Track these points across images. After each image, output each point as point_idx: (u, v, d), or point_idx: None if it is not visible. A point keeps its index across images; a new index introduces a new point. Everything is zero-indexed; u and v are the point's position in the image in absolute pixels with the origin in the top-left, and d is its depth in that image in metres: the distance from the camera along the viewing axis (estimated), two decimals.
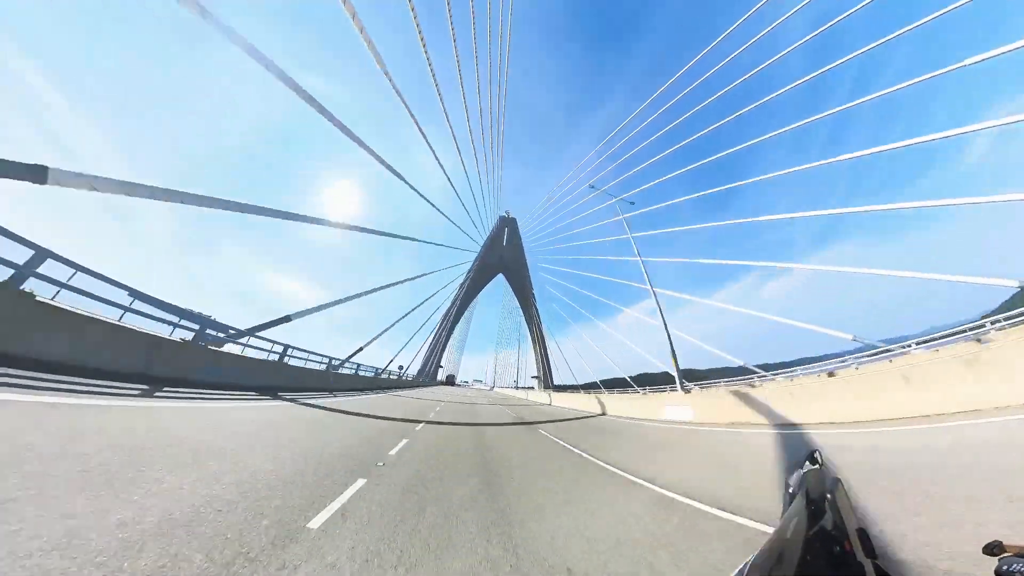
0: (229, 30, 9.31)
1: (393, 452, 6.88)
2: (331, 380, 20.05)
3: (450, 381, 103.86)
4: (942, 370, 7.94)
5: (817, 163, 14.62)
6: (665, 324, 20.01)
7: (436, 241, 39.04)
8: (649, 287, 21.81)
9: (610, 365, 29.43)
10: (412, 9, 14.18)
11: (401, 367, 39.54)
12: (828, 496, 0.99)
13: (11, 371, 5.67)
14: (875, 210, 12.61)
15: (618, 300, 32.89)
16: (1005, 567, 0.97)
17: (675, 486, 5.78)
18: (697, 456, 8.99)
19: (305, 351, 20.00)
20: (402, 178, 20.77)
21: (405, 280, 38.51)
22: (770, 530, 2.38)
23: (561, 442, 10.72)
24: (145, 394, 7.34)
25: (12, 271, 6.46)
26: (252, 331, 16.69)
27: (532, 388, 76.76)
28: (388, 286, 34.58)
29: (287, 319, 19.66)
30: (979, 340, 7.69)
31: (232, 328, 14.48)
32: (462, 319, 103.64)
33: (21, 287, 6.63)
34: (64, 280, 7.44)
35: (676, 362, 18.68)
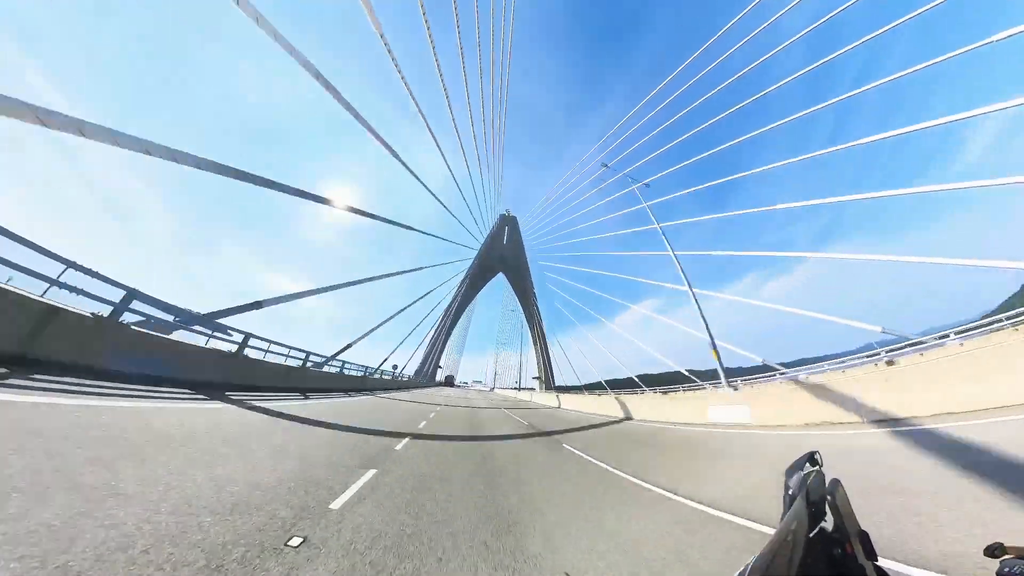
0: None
1: (336, 504, 3.87)
2: (307, 378, 16.95)
3: (449, 382, 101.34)
4: None
5: (819, 152, 14.51)
6: (703, 315, 17.09)
7: (437, 235, 36.78)
8: (680, 271, 18.87)
9: (615, 364, 28.05)
10: (423, 9, 14.44)
11: (395, 367, 36.47)
12: (828, 498, 0.92)
13: None
14: (879, 196, 12.34)
15: (623, 297, 30.73)
16: (1006, 569, 0.97)
17: None
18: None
19: (276, 344, 16.93)
20: (404, 163, 20.44)
21: (401, 272, 35.57)
22: None
23: (614, 470, 7.59)
24: None
25: None
26: (210, 317, 13.62)
27: (534, 389, 74.58)
28: (381, 277, 31.58)
29: (257, 305, 16.57)
30: None
31: (183, 310, 11.45)
32: (461, 319, 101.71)
33: None
34: None
35: (718, 356, 15.67)
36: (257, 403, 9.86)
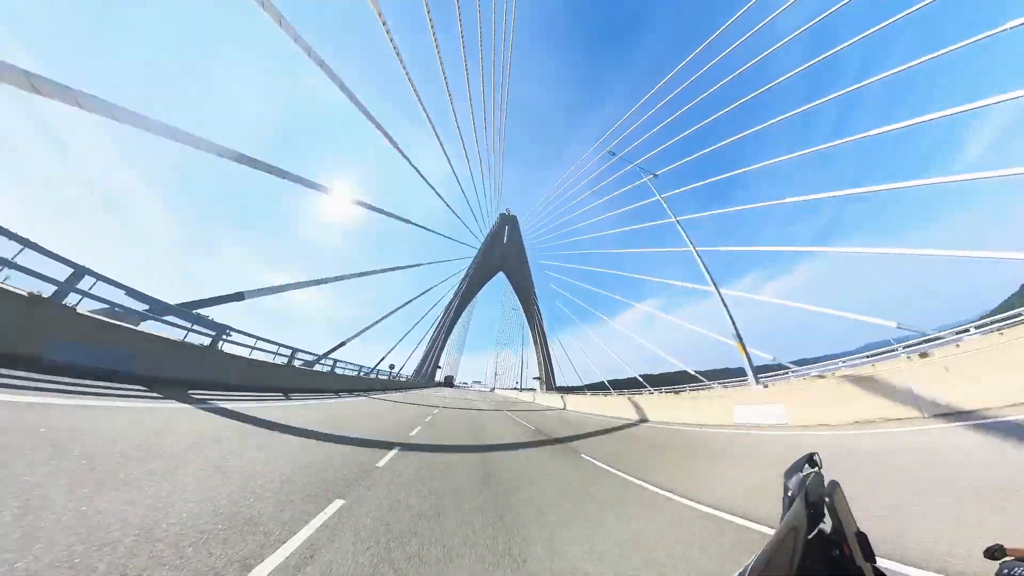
0: None
1: (279, 556, 2.39)
2: (292, 378, 15.50)
3: (448, 382, 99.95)
4: None
5: (821, 147, 14.66)
6: (727, 308, 15.73)
7: (436, 231, 35.98)
8: (701, 264, 17.50)
9: (615, 364, 28.74)
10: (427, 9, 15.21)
11: (392, 366, 34.95)
12: (827, 499, 0.93)
13: None
14: (881, 190, 12.57)
15: (626, 295, 29.98)
16: (1006, 571, 0.97)
17: None
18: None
19: (262, 340, 15.51)
20: (406, 157, 20.41)
21: (398, 268, 34.22)
22: None
23: (647, 485, 6.09)
24: None
25: None
26: (188, 308, 12.20)
27: (535, 390, 73.22)
28: (375, 272, 30.17)
29: (239, 296, 15.18)
30: None
31: (154, 299, 10.08)
32: (461, 319, 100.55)
33: None
34: None
35: (745, 350, 14.27)
36: (224, 404, 8.41)
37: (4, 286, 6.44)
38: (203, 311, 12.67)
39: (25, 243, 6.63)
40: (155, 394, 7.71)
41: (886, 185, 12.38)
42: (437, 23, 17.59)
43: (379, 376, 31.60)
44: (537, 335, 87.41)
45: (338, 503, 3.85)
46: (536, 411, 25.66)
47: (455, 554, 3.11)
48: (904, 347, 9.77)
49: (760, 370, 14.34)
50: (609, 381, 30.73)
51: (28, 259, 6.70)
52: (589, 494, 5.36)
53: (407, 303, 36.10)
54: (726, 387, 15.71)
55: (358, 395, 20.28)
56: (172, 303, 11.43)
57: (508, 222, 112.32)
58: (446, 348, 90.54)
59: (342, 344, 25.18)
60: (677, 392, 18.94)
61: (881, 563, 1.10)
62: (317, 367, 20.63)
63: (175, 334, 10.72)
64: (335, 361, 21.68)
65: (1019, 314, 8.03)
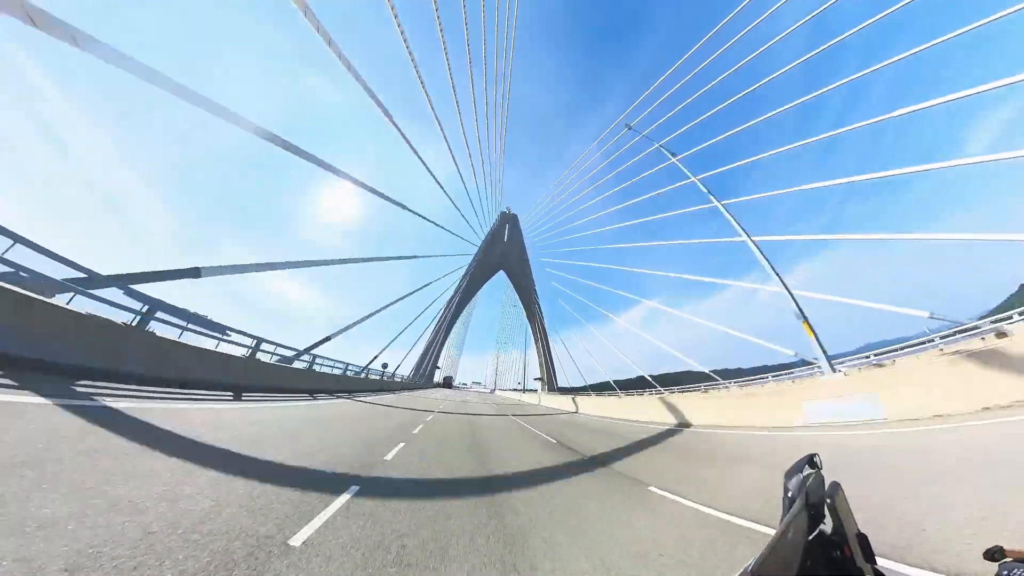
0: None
1: None
2: (253, 375, 12.73)
3: (447, 383, 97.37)
4: None
5: (822, 135, 14.63)
6: (785, 285, 13.14)
7: (436, 222, 33.71)
8: (745, 236, 14.83)
9: (619, 364, 27.41)
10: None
11: (385, 365, 32.15)
12: (828, 501, 0.94)
13: None
14: (888, 176, 11.72)
15: (632, 293, 28.59)
16: (1005, 572, 0.97)
17: None
18: None
19: (232, 330, 12.91)
20: (411, 144, 20.13)
21: (391, 258, 31.60)
22: None
23: None
24: None
25: None
26: (121, 280, 9.64)
27: (536, 390, 70.70)
28: (366, 260, 27.53)
29: (195, 272, 12.56)
30: None
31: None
32: (460, 318, 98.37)
33: None
34: None
35: (813, 331, 11.67)
36: (115, 403, 5.68)
37: None
38: (153, 289, 10.02)
39: None
40: (8, 381, 5.06)
41: (892, 171, 11.54)
42: (434, 23, 17.53)
43: (369, 376, 28.83)
44: (538, 335, 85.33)
45: None
46: (546, 415, 22.85)
47: None
48: (941, 337, 9.20)
49: (781, 368, 13.16)
50: (615, 381, 28.67)
51: None
52: None
53: (401, 298, 33.34)
54: (780, 380, 13.04)
55: (339, 397, 17.45)
56: (104, 274, 8.81)
57: (508, 220, 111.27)
58: (445, 348, 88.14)
59: (326, 339, 22.44)
60: (710, 389, 16.27)
61: (881, 564, 1.02)
62: (297, 364, 17.93)
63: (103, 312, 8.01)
64: (314, 357, 18.93)
65: None
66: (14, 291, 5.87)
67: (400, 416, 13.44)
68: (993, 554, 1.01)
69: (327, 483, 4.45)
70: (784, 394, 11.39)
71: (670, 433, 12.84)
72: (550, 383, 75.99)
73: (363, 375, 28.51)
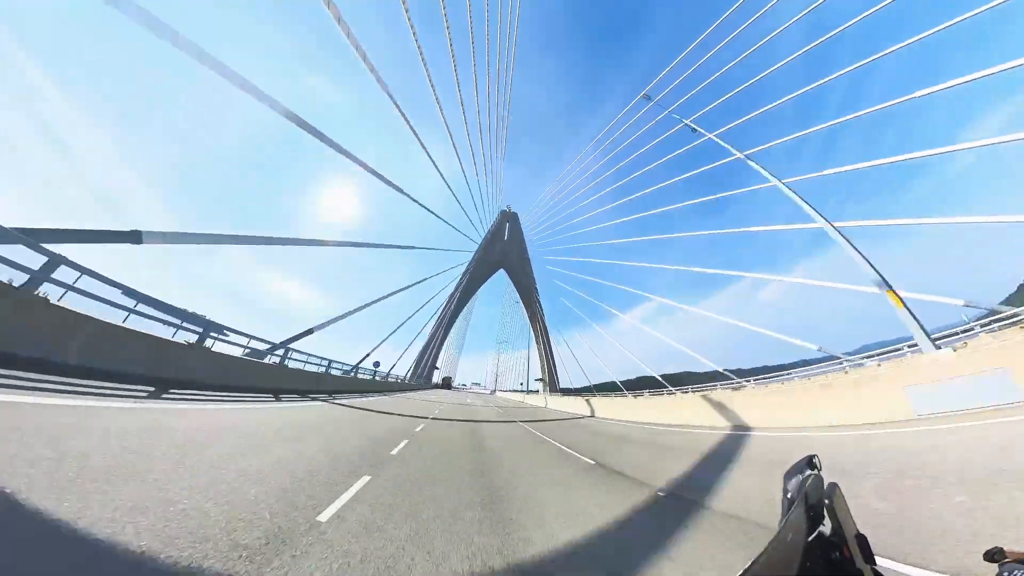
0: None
1: None
2: (197, 366, 10.07)
3: (446, 384, 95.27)
4: None
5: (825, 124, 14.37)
6: (858, 250, 10.67)
7: (437, 212, 31.59)
8: (775, 181, 12.29)
9: (622, 365, 26.53)
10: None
11: (377, 363, 29.50)
12: (827, 502, 0.94)
13: None
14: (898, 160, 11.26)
15: (635, 291, 27.19)
16: (1006, 573, 0.97)
17: None
18: None
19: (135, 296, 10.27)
20: (422, 143, 21.35)
21: (391, 246, 29.15)
22: None
23: None
24: None
25: None
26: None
27: (537, 391, 68.50)
28: (363, 245, 24.98)
29: (135, 237, 9.98)
30: None
31: None
32: (460, 318, 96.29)
33: None
34: None
35: (903, 303, 9.19)
36: None
37: None
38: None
39: None
40: None
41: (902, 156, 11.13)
42: (435, 22, 17.67)
43: (357, 375, 26.17)
44: (540, 334, 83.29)
45: None
46: (559, 420, 20.04)
47: None
48: (981, 326, 8.57)
49: (803, 364, 12.73)
50: (621, 382, 27.53)
51: None
52: None
53: (398, 291, 30.73)
54: (863, 365, 10.36)
55: (314, 399, 14.76)
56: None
57: (509, 219, 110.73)
58: (444, 348, 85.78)
59: (308, 332, 19.84)
60: (765, 384, 13.51)
61: (881, 565, 0.89)
62: (270, 360, 15.34)
63: None
64: (287, 351, 16.31)
65: None
66: None
67: (384, 425, 10.64)
68: (993, 555, 0.99)
69: None
70: (877, 380, 8.77)
71: (735, 441, 9.79)
72: (552, 384, 74.04)
73: (352, 374, 25.89)
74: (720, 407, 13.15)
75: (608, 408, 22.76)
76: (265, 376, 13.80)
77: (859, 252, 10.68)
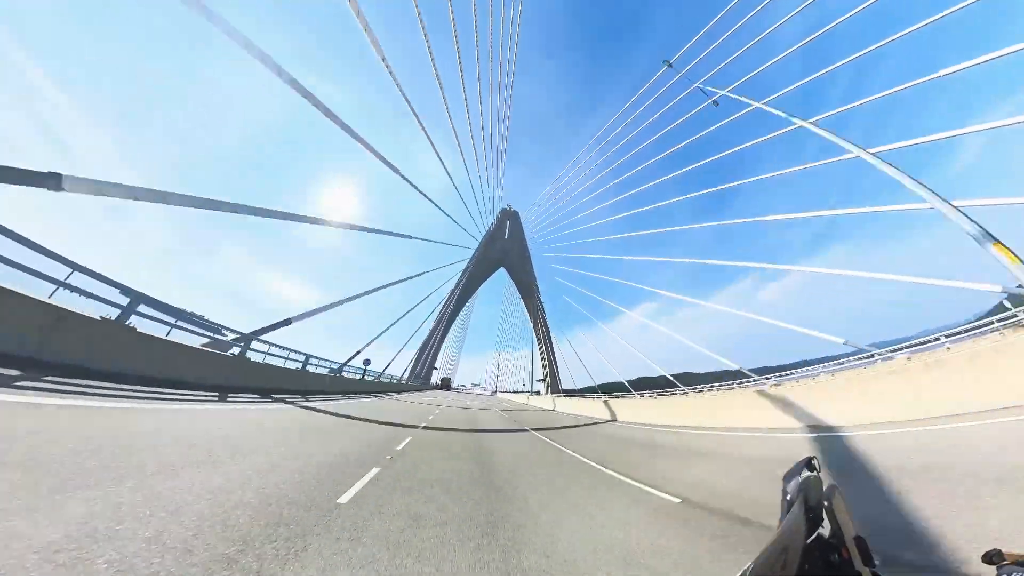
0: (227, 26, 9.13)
1: None
2: (124, 351, 7.07)
3: (445, 385, 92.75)
4: None
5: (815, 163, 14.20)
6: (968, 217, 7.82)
7: (442, 208, 30.43)
8: (858, 151, 9.45)
9: (629, 364, 25.72)
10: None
11: (367, 361, 26.36)
12: (826, 503, 0.94)
13: None
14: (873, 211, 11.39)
15: (637, 290, 26.52)
16: (1004, 575, 0.98)
17: None
18: None
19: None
20: (429, 137, 20.95)
21: (374, 231, 26.16)
22: None
23: None
24: None
25: None
26: None
27: (539, 392, 65.57)
28: (359, 228, 21.94)
29: (54, 181, 7.19)
30: None
31: None
32: (459, 317, 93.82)
33: None
34: None
35: None
36: None
37: None
38: None
39: None
40: None
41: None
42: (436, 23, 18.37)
43: (342, 374, 23.10)
44: (541, 333, 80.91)
45: None
46: (578, 427, 16.94)
47: None
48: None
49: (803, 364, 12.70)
50: (628, 382, 25.62)
51: None
52: None
53: (393, 283, 27.65)
54: (893, 359, 7.92)
55: (278, 400, 11.25)
56: None
57: (509, 217, 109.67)
58: (443, 348, 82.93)
59: (285, 322, 16.85)
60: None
61: (880, 566, 0.82)
62: (233, 351, 12.27)
63: None
64: (248, 341, 13.20)
65: None
66: None
67: (363, 437, 7.73)
68: (992, 557, 0.99)
69: None
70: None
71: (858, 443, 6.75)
72: (554, 384, 71.75)
73: (338, 373, 22.84)
74: (785, 404, 10.38)
75: (628, 410, 19.77)
76: (213, 368, 10.81)
77: (942, 198, 7.94)
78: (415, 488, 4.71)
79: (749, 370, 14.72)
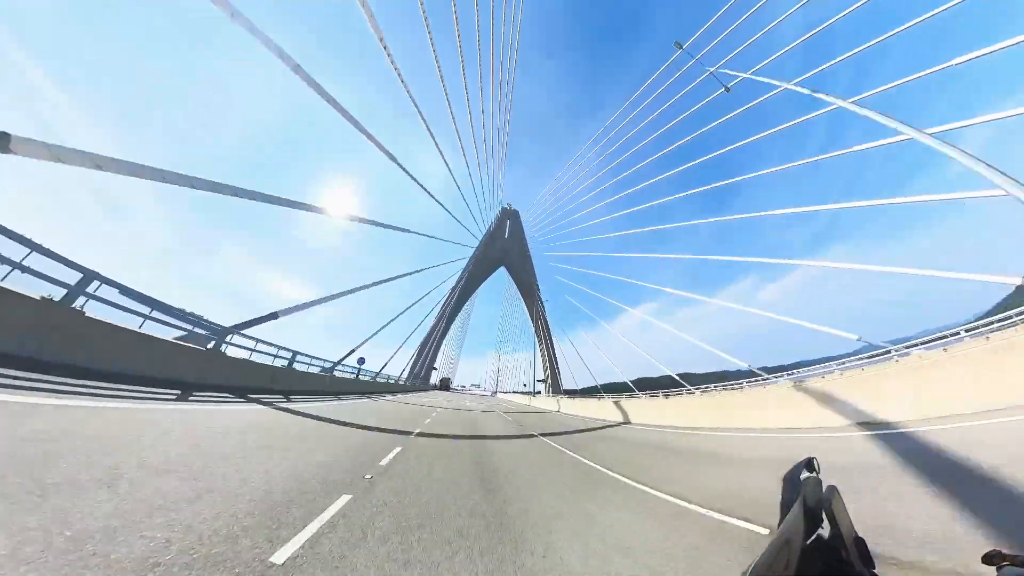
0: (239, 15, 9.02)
1: None
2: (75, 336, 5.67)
3: (444, 385, 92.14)
4: None
5: (815, 158, 14.36)
6: None
7: (442, 204, 29.93)
8: (913, 132, 7.83)
9: (629, 364, 25.82)
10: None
11: (362, 360, 24.85)
12: (825, 505, 0.91)
13: None
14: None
15: (641, 290, 26.19)
16: None
17: None
18: None
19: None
20: (432, 135, 21.48)
21: (388, 226, 24.74)
22: None
23: None
24: None
25: None
26: None
27: (540, 393, 64.31)
28: (360, 220, 20.41)
29: (5, 140, 5.67)
30: None
31: None
32: (459, 317, 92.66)
33: None
34: None
35: None
36: None
37: None
38: None
39: None
40: None
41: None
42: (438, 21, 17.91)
43: (333, 374, 21.67)
44: (541, 333, 79.90)
45: None
46: (592, 431, 15.43)
47: None
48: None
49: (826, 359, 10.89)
50: (632, 382, 25.79)
51: None
52: None
53: (390, 279, 26.19)
54: (909, 355, 7.41)
55: (254, 400, 9.64)
56: None
57: (509, 216, 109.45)
58: (443, 348, 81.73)
59: (272, 316, 15.44)
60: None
61: (879, 569, 0.83)
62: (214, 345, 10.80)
63: None
64: (224, 335, 11.74)
65: None
66: None
67: (319, 456, 6.21)
68: (991, 558, 0.93)
69: None
70: None
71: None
72: (555, 384, 70.55)
73: (330, 372, 21.38)
74: (826, 399, 9.27)
75: (638, 411, 18.43)
76: (180, 362, 9.37)
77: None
78: (394, 533, 3.22)
79: (758, 368, 14.30)
